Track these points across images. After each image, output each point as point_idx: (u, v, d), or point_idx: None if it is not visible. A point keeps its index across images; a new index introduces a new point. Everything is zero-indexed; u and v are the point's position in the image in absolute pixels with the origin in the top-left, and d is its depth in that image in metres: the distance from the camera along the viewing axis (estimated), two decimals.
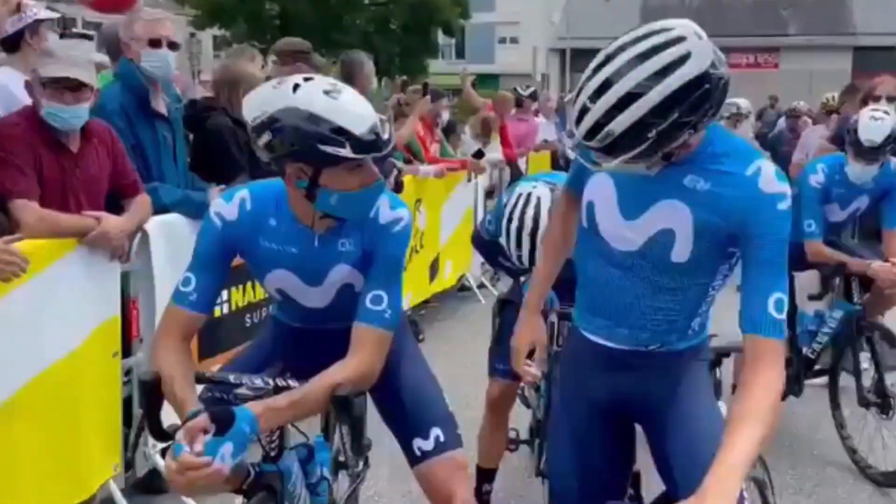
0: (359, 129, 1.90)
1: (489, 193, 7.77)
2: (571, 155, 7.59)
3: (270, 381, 2.06)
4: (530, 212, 2.80)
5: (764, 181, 1.76)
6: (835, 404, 4.07)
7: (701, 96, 1.62)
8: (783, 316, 1.74)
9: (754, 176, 1.76)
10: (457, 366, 4.87)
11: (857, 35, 37.06)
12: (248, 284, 4.02)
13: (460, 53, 42.83)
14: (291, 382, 2.05)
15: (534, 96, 9.50)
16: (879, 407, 3.73)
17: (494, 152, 7.92)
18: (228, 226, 2.12)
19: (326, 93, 1.92)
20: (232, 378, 2.10)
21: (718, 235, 1.80)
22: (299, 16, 26.48)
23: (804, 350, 4.18)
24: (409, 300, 5.99)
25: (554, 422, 2.14)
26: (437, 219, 6.53)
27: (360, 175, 1.97)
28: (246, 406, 1.88)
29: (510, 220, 2.83)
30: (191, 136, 4.22)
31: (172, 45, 3.67)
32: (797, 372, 4.18)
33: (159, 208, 3.50)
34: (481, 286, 7.53)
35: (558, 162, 9.74)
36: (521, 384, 3.42)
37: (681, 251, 1.84)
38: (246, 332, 3.97)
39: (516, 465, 3.76)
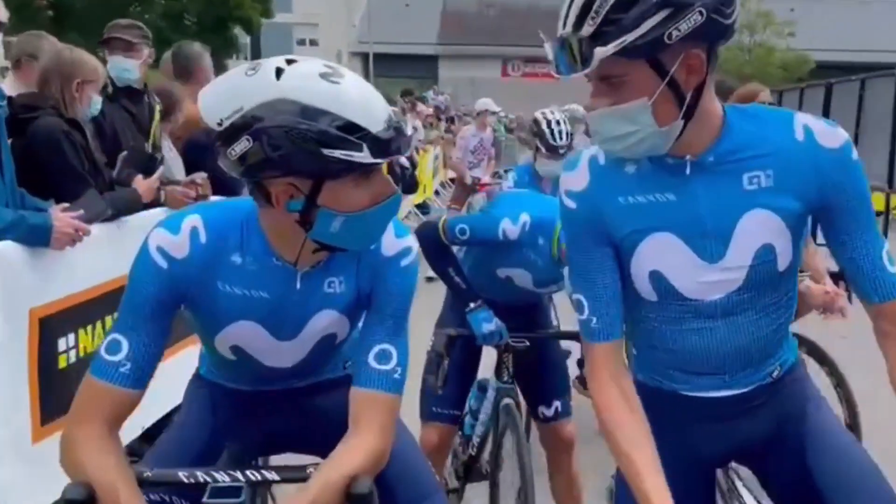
0: (374, 123, 1.42)
1: None
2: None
3: (240, 475, 1.52)
4: None
5: (820, 136, 1.50)
6: None
7: None
8: None
9: (807, 137, 1.50)
10: None
11: None
12: (99, 322, 3.27)
13: (256, 54, 41.43)
14: (268, 474, 1.53)
15: None
16: None
17: None
18: (177, 266, 1.55)
19: (324, 76, 1.42)
20: (184, 476, 1.52)
21: (804, 218, 1.55)
22: (76, 7, 24.19)
23: None
24: None
25: None
26: None
27: (370, 187, 1.49)
28: None
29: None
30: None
31: None
32: None
33: None
34: None
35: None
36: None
37: (784, 258, 1.55)
38: None
39: None
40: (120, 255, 3.39)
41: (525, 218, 2.59)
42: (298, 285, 1.63)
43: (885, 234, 8.75)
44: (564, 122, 4.30)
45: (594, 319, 1.58)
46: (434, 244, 2.75)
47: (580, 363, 2.78)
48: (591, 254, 1.57)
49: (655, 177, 1.52)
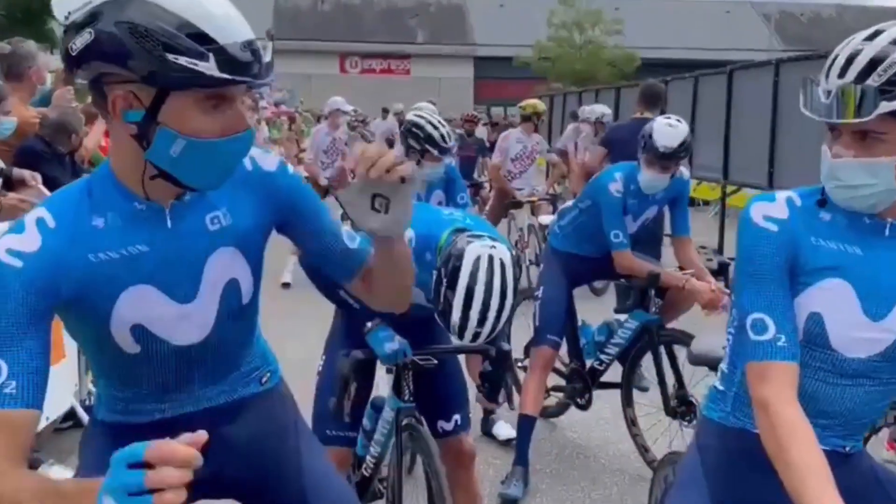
0: (228, 39, 1.32)
1: None
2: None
3: None
4: (496, 281, 2.22)
5: None
6: (627, 402, 4.01)
7: None
8: None
9: None
10: None
11: (477, 46, 40.61)
12: None
13: None
14: None
15: None
16: (683, 415, 3.71)
17: None
18: (34, 261, 1.38)
19: None
20: None
21: None
22: None
23: (590, 362, 4.10)
24: None
25: None
26: None
27: (221, 117, 1.37)
28: None
29: (469, 289, 2.22)
30: None
31: None
32: (584, 385, 4.09)
33: None
34: None
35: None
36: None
37: None
38: None
39: None
40: None
41: (409, 234, 2.43)
42: (170, 223, 1.48)
43: (722, 223, 9.31)
44: (443, 124, 4.25)
45: (782, 338, 1.58)
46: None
47: (482, 376, 2.68)
48: (781, 275, 1.61)
49: (848, 230, 1.61)
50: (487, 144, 10.62)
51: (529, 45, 35.37)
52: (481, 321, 2.22)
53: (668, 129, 3.64)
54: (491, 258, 2.23)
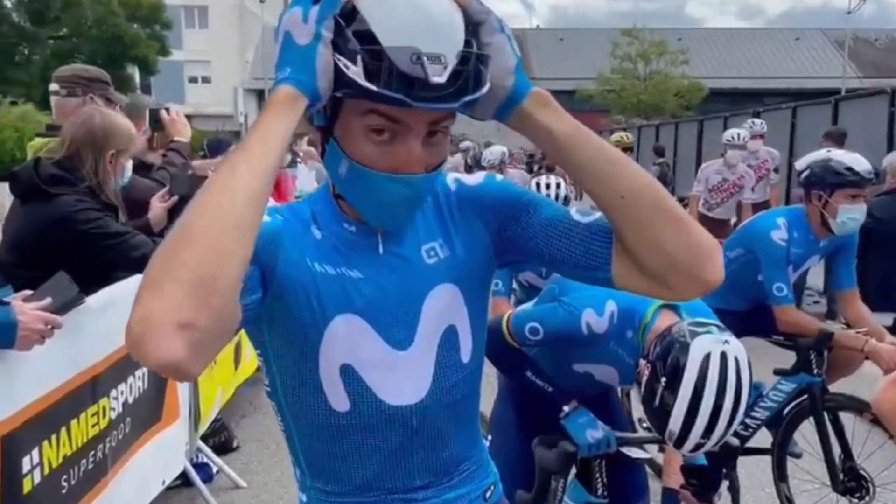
0: (398, 41, 1.05)
1: None
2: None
3: None
4: (730, 387, 1.85)
5: None
6: (780, 476, 3.63)
7: None
8: None
9: None
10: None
11: (538, 80, 40.55)
12: (63, 430, 2.71)
13: (146, 92, 40.10)
14: None
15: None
16: (853, 492, 3.33)
17: None
18: (265, 226, 1.16)
19: None
20: None
21: None
22: None
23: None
24: (220, 399, 4.78)
25: None
26: None
27: (393, 151, 1.15)
28: None
29: (696, 394, 1.85)
30: None
31: None
32: None
33: None
34: None
35: None
36: None
37: None
38: (63, 501, 2.67)
39: None
40: (80, 345, 2.84)
41: (612, 307, 2.14)
42: (381, 249, 1.27)
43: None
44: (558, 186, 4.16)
45: None
46: (502, 349, 2.29)
47: (692, 471, 2.30)
48: None
49: None
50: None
51: (590, 77, 35.11)
52: (707, 432, 1.86)
53: (854, 157, 3.32)
54: (724, 356, 1.86)
